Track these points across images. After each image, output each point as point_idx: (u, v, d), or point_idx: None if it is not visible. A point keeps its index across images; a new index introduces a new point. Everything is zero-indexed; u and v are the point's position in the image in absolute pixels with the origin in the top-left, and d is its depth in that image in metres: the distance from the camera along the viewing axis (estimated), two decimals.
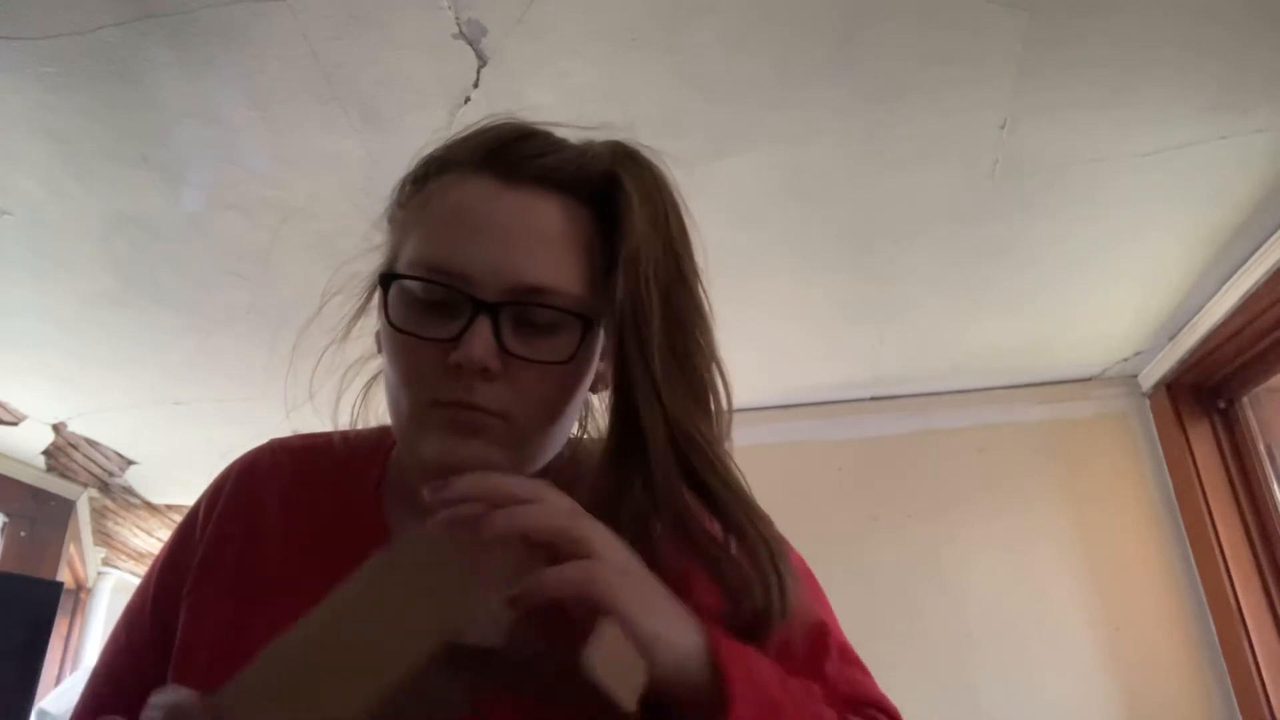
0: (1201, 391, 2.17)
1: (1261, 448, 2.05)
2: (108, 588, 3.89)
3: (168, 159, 1.43)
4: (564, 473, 0.57)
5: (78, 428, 2.61)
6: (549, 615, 0.41)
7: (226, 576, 0.59)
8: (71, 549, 3.17)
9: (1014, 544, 2.25)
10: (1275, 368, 1.93)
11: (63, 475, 2.98)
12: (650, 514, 0.51)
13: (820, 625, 0.56)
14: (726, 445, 0.54)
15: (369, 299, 0.63)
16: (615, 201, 0.55)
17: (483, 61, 1.24)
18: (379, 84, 1.28)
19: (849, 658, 0.57)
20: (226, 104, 1.31)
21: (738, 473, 0.54)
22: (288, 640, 0.41)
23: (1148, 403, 2.31)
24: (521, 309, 0.53)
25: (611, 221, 0.56)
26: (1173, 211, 1.61)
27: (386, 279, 0.55)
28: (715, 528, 0.52)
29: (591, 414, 0.65)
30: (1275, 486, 2.01)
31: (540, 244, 0.54)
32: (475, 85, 1.28)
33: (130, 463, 2.93)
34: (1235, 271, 1.79)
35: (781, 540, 0.53)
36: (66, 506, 3.08)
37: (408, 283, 0.54)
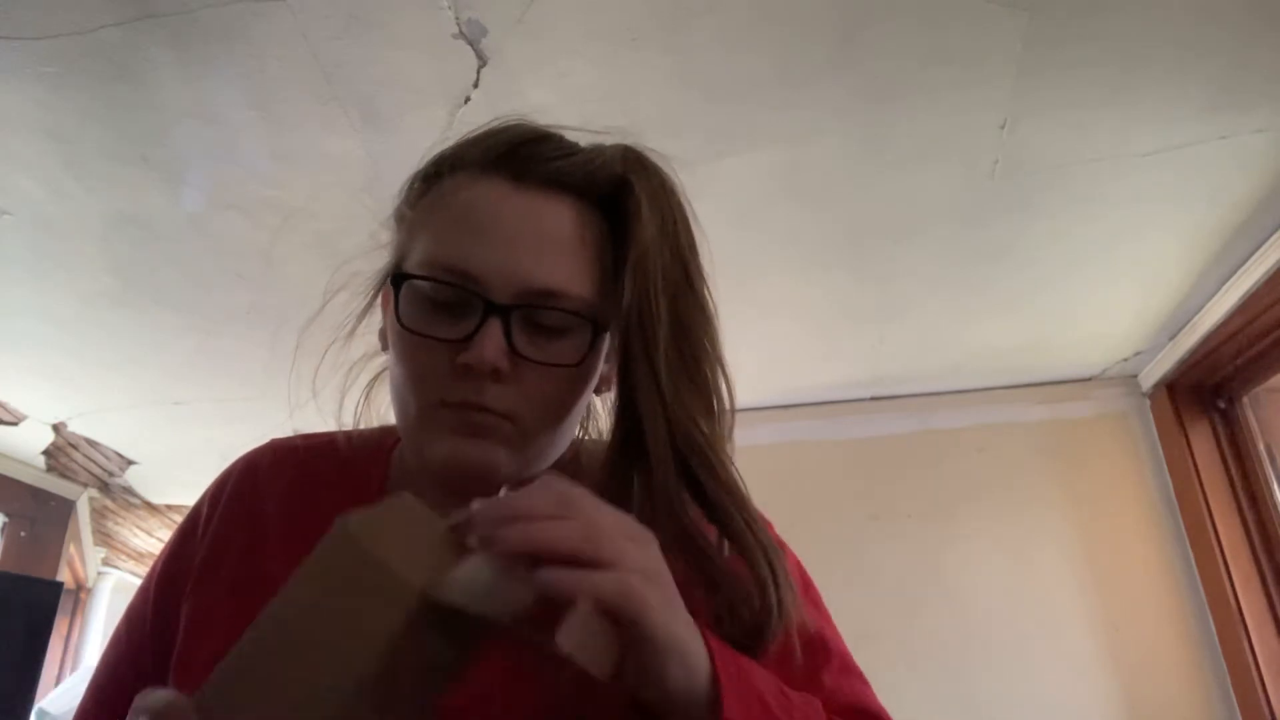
0: (1201, 391, 2.17)
1: (1261, 448, 2.05)
2: (108, 588, 3.89)
3: (168, 159, 1.43)
4: (566, 473, 0.57)
5: (78, 428, 2.61)
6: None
7: (228, 576, 0.59)
8: (71, 549, 3.17)
9: (1014, 544, 2.25)
10: (1275, 368, 1.93)
11: (63, 475, 2.98)
12: (651, 518, 0.50)
13: (819, 635, 0.56)
14: (729, 447, 0.54)
15: (375, 297, 0.63)
16: (624, 206, 0.55)
17: (483, 61, 1.24)
18: (379, 84, 1.28)
19: (848, 668, 0.57)
20: (226, 104, 1.31)
21: (738, 477, 0.53)
22: (259, 632, 0.40)
23: (1148, 403, 2.31)
24: (532, 311, 0.53)
25: (620, 225, 0.56)
26: (1173, 211, 1.61)
27: (398, 279, 0.55)
28: (713, 533, 0.52)
29: (594, 415, 0.65)
30: (1275, 486, 2.01)
31: (551, 247, 0.54)
32: (475, 85, 1.28)
33: (130, 463, 2.93)
34: (1235, 271, 1.79)
35: (779, 547, 0.53)
36: (66, 506, 3.08)
37: (418, 282, 0.54)
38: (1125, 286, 1.89)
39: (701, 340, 0.54)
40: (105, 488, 3.16)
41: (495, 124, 0.59)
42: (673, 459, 0.51)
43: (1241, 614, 1.95)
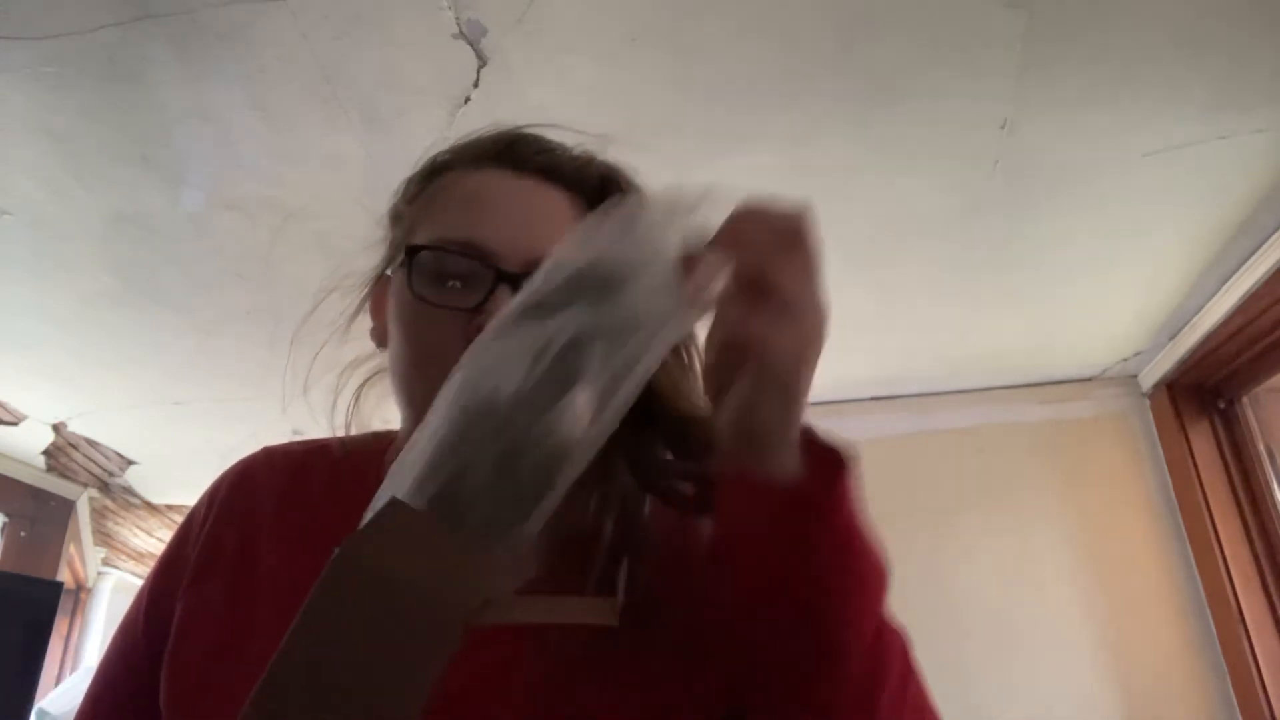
0: (1202, 391, 2.17)
1: (1261, 448, 2.06)
2: (108, 588, 3.89)
3: (168, 159, 1.43)
4: None
5: (78, 428, 2.61)
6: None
7: (222, 576, 0.59)
8: (71, 549, 3.17)
9: (1014, 544, 2.25)
10: (1275, 368, 1.93)
11: (63, 475, 2.98)
12: (645, 476, 0.54)
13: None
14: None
15: (368, 296, 0.64)
16: (613, 197, 0.58)
17: (483, 61, 1.24)
18: (379, 84, 1.28)
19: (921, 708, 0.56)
20: (226, 104, 1.31)
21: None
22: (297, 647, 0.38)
23: (1148, 403, 2.31)
24: None
25: None
26: (1173, 211, 1.61)
27: (411, 251, 0.57)
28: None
29: None
30: (1275, 486, 2.01)
31: (553, 225, 0.57)
32: (475, 85, 1.28)
33: (130, 463, 2.93)
34: (1235, 271, 1.78)
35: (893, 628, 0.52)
36: (66, 506, 3.08)
37: (424, 263, 0.56)
38: (1125, 286, 1.89)
39: None
40: (105, 488, 3.16)
41: (487, 128, 0.63)
42: (664, 424, 0.53)
43: (1241, 614, 1.95)
